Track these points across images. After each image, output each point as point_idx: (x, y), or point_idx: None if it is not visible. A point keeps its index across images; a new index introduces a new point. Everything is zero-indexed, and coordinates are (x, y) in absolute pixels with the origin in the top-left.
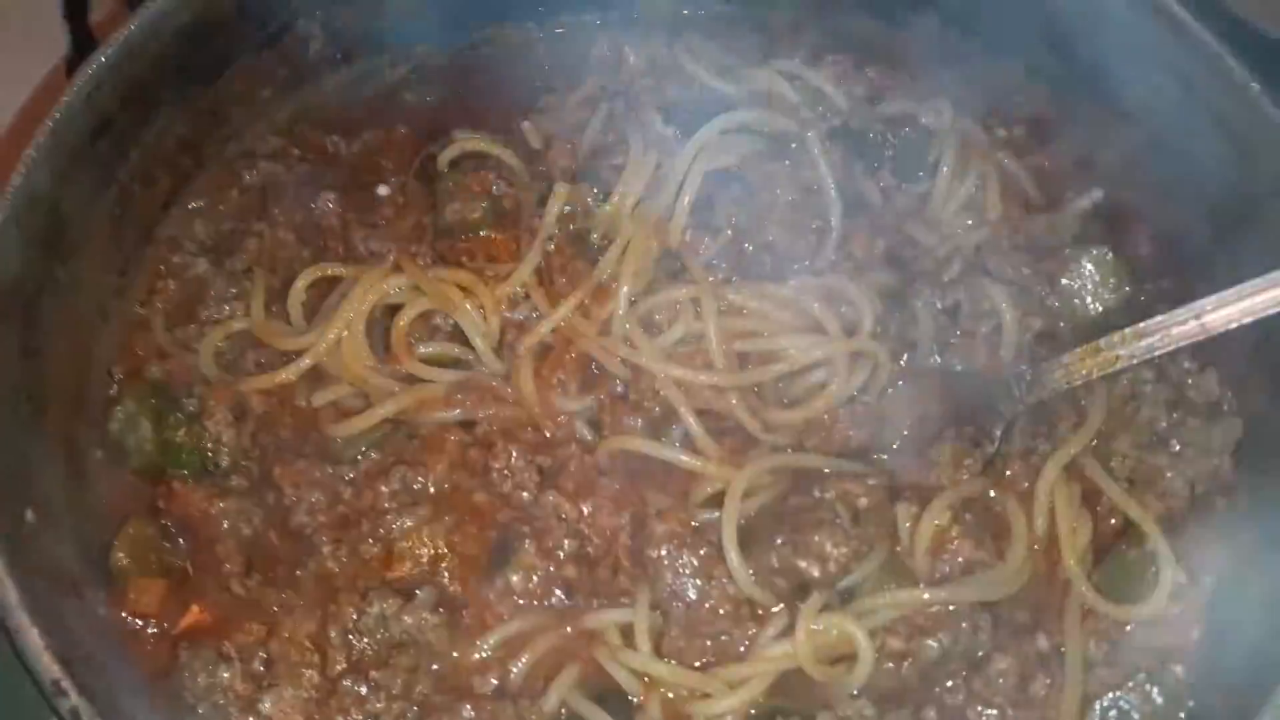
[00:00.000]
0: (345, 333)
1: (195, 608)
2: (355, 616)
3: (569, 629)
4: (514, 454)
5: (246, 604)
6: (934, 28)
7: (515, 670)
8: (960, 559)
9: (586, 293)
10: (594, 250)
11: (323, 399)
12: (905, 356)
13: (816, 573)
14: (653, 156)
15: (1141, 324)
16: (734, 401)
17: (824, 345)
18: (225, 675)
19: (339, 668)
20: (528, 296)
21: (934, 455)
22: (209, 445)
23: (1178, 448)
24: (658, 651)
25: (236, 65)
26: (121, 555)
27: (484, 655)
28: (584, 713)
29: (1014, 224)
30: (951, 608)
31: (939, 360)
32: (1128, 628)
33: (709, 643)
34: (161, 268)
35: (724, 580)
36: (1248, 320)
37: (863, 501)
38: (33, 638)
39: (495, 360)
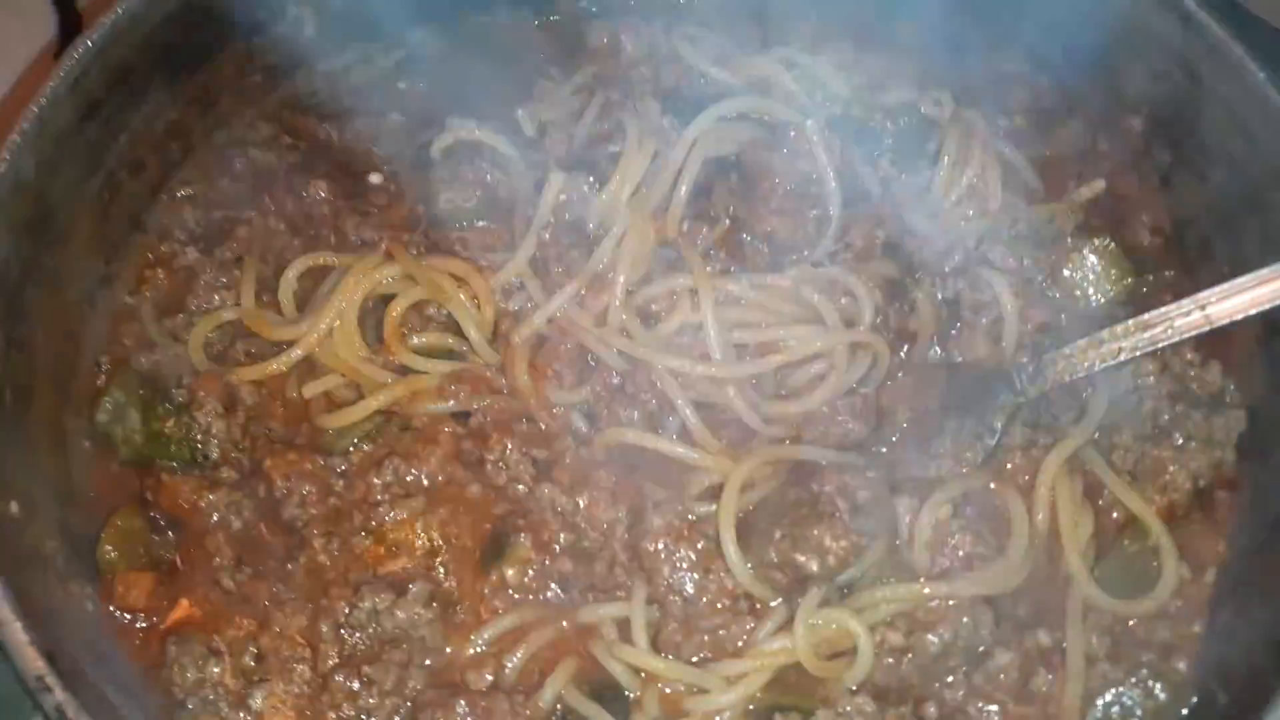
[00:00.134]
0: (337, 323)
1: (184, 601)
2: (347, 611)
3: (565, 623)
4: (509, 446)
5: (237, 598)
6: (935, 15)
7: (510, 665)
8: (961, 553)
9: (582, 283)
10: (590, 240)
11: (314, 390)
12: (905, 348)
13: (815, 567)
14: (650, 145)
15: (1145, 315)
16: (732, 393)
17: (823, 336)
18: (215, 670)
19: (331, 663)
20: (522, 286)
21: (934, 448)
22: (198, 436)
23: (1180, 440)
24: (655, 646)
25: (226, 50)
26: (109, 548)
27: (478, 650)
28: (580, 708)
29: (1015, 214)
30: (952, 602)
31: (939, 352)
32: (1130, 622)
33: (706, 637)
34: (150, 256)
35: (722, 574)
36: (1253, 312)
37: (862, 495)
38: (16, 632)
39: (490, 351)
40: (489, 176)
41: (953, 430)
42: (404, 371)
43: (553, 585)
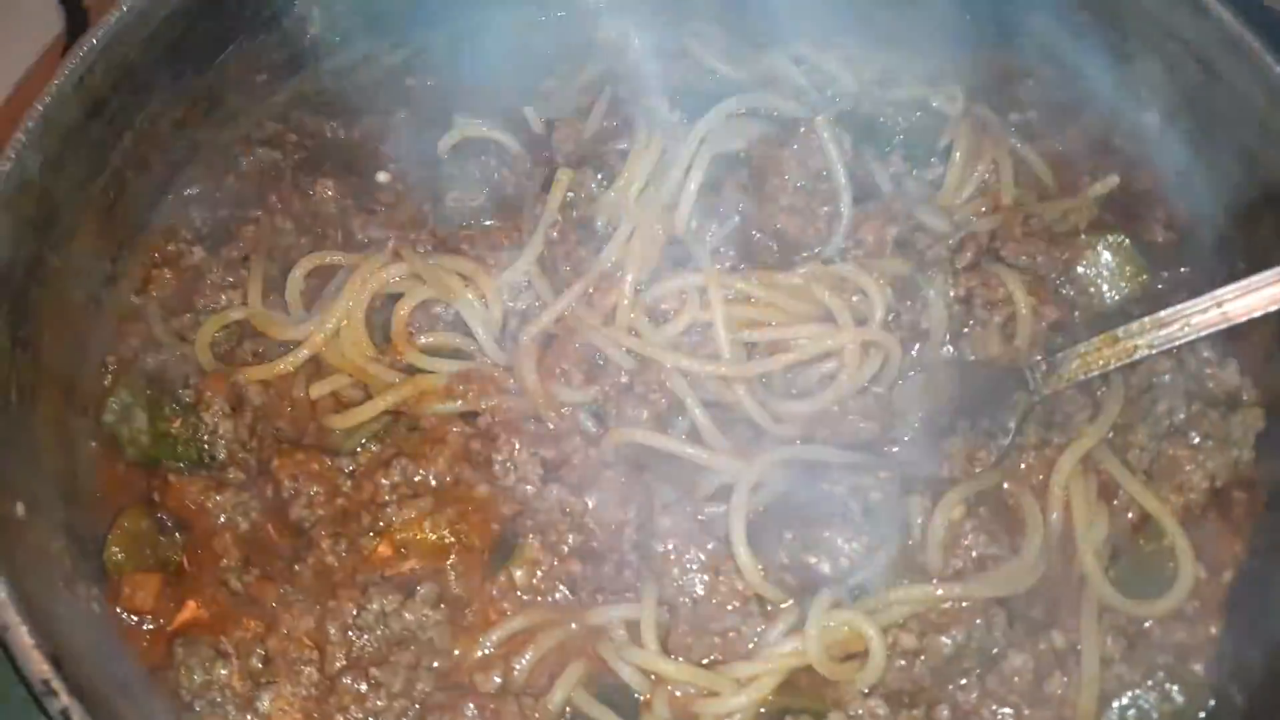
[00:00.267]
0: (344, 322)
1: (192, 603)
2: (355, 612)
3: (574, 625)
4: (517, 446)
5: (244, 599)
6: (946, 9)
7: (519, 667)
8: (974, 554)
9: (591, 281)
10: (598, 238)
11: (321, 390)
12: (917, 346)
13: (827, 568)
14: (658, 141)
15: (1161, 313)
16: (742, 392)
17: (834, 335)
18: (222, 672)
19: (338, 665)
20: (530, 285)
21: (947, 447)
22: (205, 437)
23: (1196, 439)
24: (664, 648)
25: (232, 48)
26: (116, 549)
27: (487, 652)
28: (589, 711)
29: (1028, 210)
30: (965, 604)
31: (952, 350)
32: (1146, 624)
33: (717, 639)
34: (156, 256)
35: (732, 575)
36: (1272, 309)
37: (874, 495)
38: (22, 636)
39: (497, 350)
40: (496, 174)
41: (965, 430)
42: (411, 371)
43: (561, 587)
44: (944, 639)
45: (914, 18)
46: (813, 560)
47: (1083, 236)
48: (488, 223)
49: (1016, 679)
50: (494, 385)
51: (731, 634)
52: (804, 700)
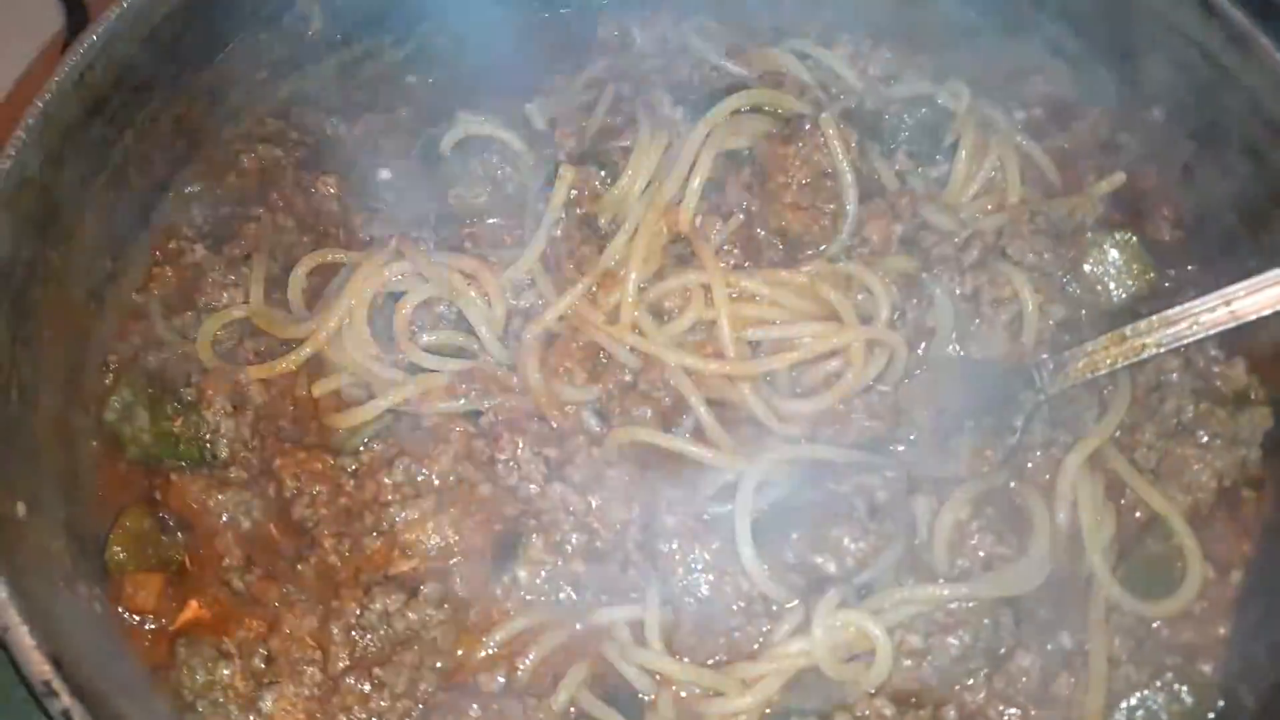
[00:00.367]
0: (346, 320)
1: (194, 603)
2: (358, 612)
3: (578, 625)
4: (520, 445)
5: (246, 599)
6: (951, 5)
7: (523, 668)
8: (981, 553)
9: (594, 279)
10: (602, 235)
11: (324, 388)
12: (923, 345)
13: (833, 568)
14: (662, 138)
15: (1169, 311)
16: (746, 391)
17: (839, 333)
18: (225, 672)
19: (341, 665)
20: (533, 283)
21: (953, 447)
22: (207, 436)
23: (1204, 438)
24: (669, 649)
25: (233, 45)
26: (117, 549)
27: (490, 652)
28: (594, 711)
29: (1034, 208)
30: (972, 604)
31: (958, 349)
32: (1154, 624)
33: (722, 640)
34: (157, 254)
35: (737, 575)
36: None
37: (880, 495)
38: (22, 636)
39: (500, 349)
40: (499, 172)
41: (972, 429)
42: (414, 370)
43: (565, 586)
44: (950, 639)
45: (919, 14)
46: (818, 560)
47: (1089, 234)
48: (490, 220)
49: (1024, 680)
50: (497, 384)
51: (737, 634)
52: (809, 701)
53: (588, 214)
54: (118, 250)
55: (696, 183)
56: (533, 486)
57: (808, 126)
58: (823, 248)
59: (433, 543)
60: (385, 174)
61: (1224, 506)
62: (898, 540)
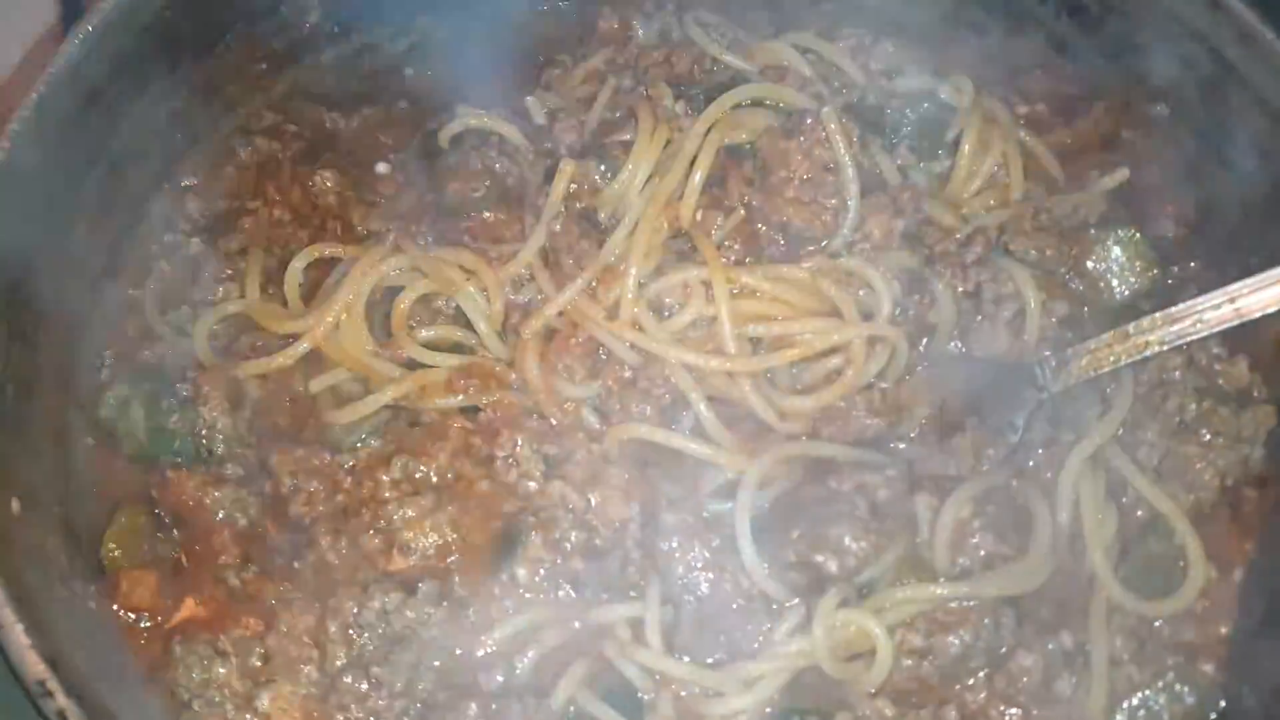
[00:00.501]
0: (344, 315)
1: (190, 601)
2: (355, 610)
3: (577, 624)
4: (519, 442)
5: (243, 597)
6: None
7: (521, 666)
8: (982, 552)
9: (594, 274)
10: (601, 230)
11: (321, 384)
12: (925, 342)
13: (834, 567)
14: (662, 133)
15: (1172, 308)
16: (747, 388)
17: (840, 330)
18: (221, 671)
19: (339, 663)
20: (532, 278)
21: (955, 445)
22: (203, 432)
23: (1207, 437)
24: (669, 647)
25: (231, 37)
26: (113, 546)
27: (489, 651)
28: (593, 710)
29: (1037, 204)
30: (973, 603)
31: (960, 345)
32: (1156, 624)
33: (722, 638)
34: (153, 247)
35: (737, 573)
36: None
37: (881, 493)
38: (17, 635)
39: (499, 344)
40: (498, 165)
41: (973, 426)
42: (412, 366)
43: (564, 584)
44: (951, 639)
45: (922, 8)
46: (819, 559)
47: (1092, 231)
48: (489, 215)
49: (1025, 679)
50: (495, 380)
51: (737, 633)
52: (810, 700)
53: (587, 208)
54: (114, 244)
55: (697, 177)
56: (532, 484)
57: (809, 121)
58: (824, 243)
59: (431, 540)
60: (383, 167)
61: (1226, 505)
62: (899, 539)
